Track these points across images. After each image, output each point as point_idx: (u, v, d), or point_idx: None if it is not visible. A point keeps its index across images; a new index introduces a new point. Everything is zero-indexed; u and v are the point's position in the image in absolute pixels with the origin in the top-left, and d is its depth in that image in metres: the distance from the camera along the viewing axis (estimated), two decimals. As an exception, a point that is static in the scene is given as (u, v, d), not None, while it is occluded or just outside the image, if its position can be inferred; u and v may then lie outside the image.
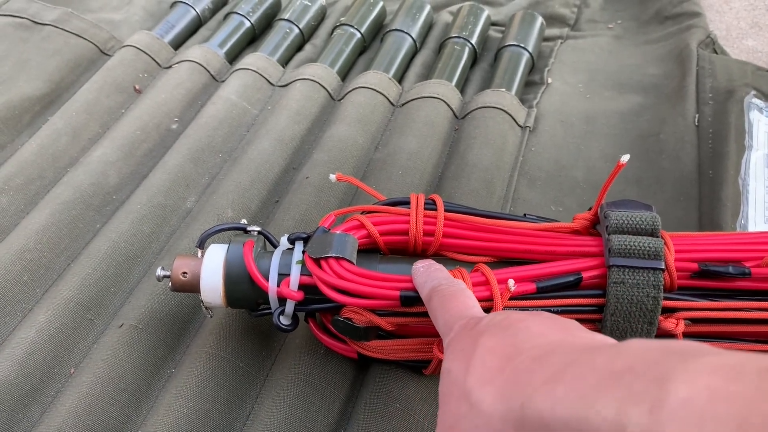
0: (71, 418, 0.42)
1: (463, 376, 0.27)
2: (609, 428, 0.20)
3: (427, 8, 0.80)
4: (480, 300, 0.38)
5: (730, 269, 0.39)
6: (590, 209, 0.42)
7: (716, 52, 0.72)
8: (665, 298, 0.39)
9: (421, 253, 0.44)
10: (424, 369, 0.44)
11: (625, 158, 0.39)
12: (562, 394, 0.22)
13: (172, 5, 0.81)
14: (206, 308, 0.44)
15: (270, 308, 0.42)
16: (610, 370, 0.21)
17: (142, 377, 0.45)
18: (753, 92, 0.64)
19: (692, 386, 0.18)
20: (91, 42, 0.73)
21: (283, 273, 0.41)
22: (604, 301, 0.39)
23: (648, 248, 0.39)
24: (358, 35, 0.77)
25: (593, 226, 0.43)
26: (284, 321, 0.42)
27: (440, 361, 0.42)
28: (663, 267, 0.38)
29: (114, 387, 0.44)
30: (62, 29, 0.72)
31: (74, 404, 0.43)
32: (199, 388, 0.44)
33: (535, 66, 0.75)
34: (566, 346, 0.25)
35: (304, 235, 0.43)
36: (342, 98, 0.69)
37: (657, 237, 0.39)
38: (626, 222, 0.40)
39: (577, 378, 0.22)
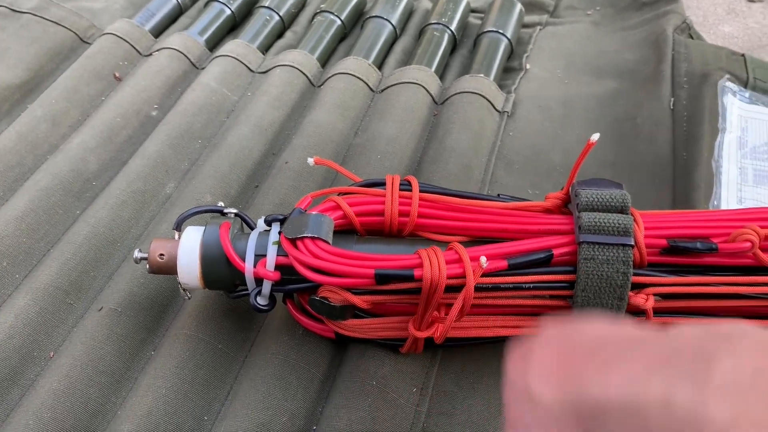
0: (50, 399, 0.42)
1: (523, 378, 0.28)
2: (658, 406, 0.21)
3: (408, -5, 0.81)
4: (453, 277, 0.39)
5: (698, 245, 0.40)
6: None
7: (692, 37, 0.73)
8: (635, 274, 0.40)
9: (396, 234, 0.45)
10: (400, 347, 0.45)
11: (595, 137, 0.40)
12: (614, 380, 0.23)
13: (152, -7, 0.81)
14: (184, 290, 0.44)
15: (247, 289, 0.43)
16: (659, 355, 0.22)
17: (121, 359, 0.46)
18: (727, 76, 0.65)
19: (736, 364, 0.20)
20: (70, 30, 0.73)
21: (259, 254, 0.42)
22: (574, 277, 0.40)
23: (617, 225, 0.39)
24: (339, 22, 0.77)
25: (565, 205, 0.43)
26: (261, 301, 0.42)
27: (416, 339, 0.43)
28: (632, 243, 0.39)
29: (93, 369, 0.44)
30: (41, 17, 0.72)
31: (53, 387, 0.43)
32: (178, 369, 0.44)
33: (513, 52, 0.75)
34: (616, 337, 0.27)
35: (281, 217, 0.44)
36: (322, 84, 0.69)
37: (627, 214, 0.40)
38: (596, 200, 0.40)
39: (627, 363, 0.23)
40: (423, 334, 0.41)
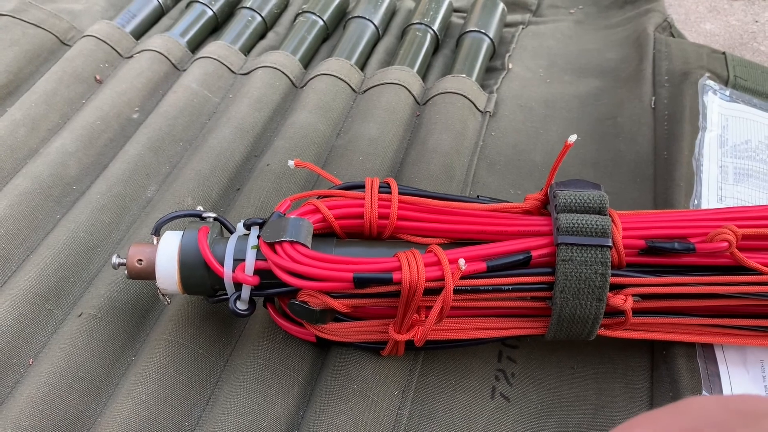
0: (28, 407, 0.42)
1: None
2: None
3: (390, -5, 0.80)
4: (432, 280, 0.39)
5: (676, 245, 0.40)
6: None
7: (673, 36, 0.73)
8: (613, 275, 0.40)
9: (376, 237, 0.45)
10: (381, 350, 0.44)
11: (572, 138, 0.40)
12: None
13: (133, -6, 0.80)
14: (163, 295, 0.44)
15: (227, 294, 0.43)
16: (675, 430, 0.21)
17: (101, 366, 0.45)
18: (707, 74, 0.65)
19: None
20: (50, 32, 0.72)
21: (238, 258, 0.42)
22: (553, 278, 0.40)
23: (595, 226, 0.39)
24: (321, 22, 0.77)
25: (544, 206, 0.43)
26: (241, 306, 0.42)
27: (396, 342, 0.43)
28: (610, 244, 0.39)
29: (72, 376, 0.44)
30: (20, 19, 0.71)
31: (32, 394, 0.43)
32: (158, 374, 0.44)
33: (496, 52, 0.75)
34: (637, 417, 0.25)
35: (260, 221, 0.43)
36: (304, 85, 0.69)
37: (605, 215, 0.40)
38: (574, 201, 0.40)
39: None
40: (403, 337, 0.41)
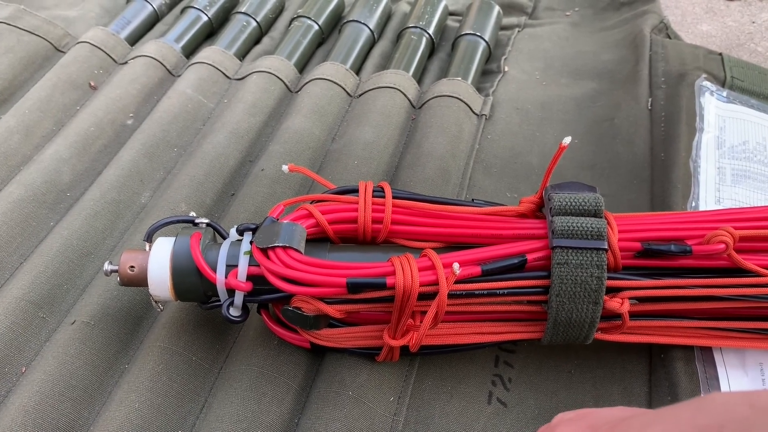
0: (21, 416, 0.42)
1: None
2: None
3: (386, -1, 0.80)
4: (426, 284, 0.38)
5: (672, 248, 0.40)
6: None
7: (669, 37, 0.73)
8: (610, 278, 0.40)
9: (371, 241, 0.44)
10: (377, 356, 0.44)
11: (567, 140, 0.40)
12: None
13: (129, 1, 0.80)
14: (156, 302, 0.43)
15: (220, 300, 0.42)
16: (697, 427, 0.20)
17: (94, 373, 0.45)
18: (704, 75, 0.65)
19: None
20: (45, 39, 0.72)
21: (231, 264, 0.41)
22: (549, 282, 0.39)
23: (591, 229, 0.39)
24: (316, 27, 0.76)
25: (539, 209, 0.43)
26: (234, 312, 0.42)
27: (391, 347, 0.42)
28: (606, 247, 0.39)
29: (65, 384, 0.44)
30: (15, 26, 0.71)
31: (24, 403, 0.42)
32: (151, 382, 0.43)
33: (492, 55, 0.75)
34: (641, 413, 0.25)
35: (253, 226, 0.43)
36: (299, 90, 0.68)
37: (600, 217, 0.40)
38: (569, 203, 0.40)
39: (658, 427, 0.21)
40: (398, 343, 0.41)
